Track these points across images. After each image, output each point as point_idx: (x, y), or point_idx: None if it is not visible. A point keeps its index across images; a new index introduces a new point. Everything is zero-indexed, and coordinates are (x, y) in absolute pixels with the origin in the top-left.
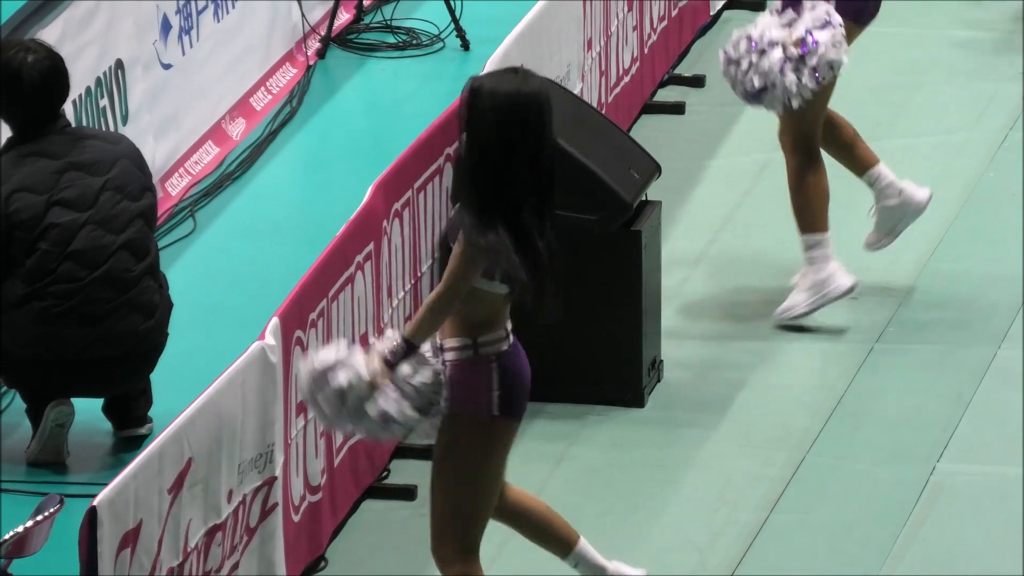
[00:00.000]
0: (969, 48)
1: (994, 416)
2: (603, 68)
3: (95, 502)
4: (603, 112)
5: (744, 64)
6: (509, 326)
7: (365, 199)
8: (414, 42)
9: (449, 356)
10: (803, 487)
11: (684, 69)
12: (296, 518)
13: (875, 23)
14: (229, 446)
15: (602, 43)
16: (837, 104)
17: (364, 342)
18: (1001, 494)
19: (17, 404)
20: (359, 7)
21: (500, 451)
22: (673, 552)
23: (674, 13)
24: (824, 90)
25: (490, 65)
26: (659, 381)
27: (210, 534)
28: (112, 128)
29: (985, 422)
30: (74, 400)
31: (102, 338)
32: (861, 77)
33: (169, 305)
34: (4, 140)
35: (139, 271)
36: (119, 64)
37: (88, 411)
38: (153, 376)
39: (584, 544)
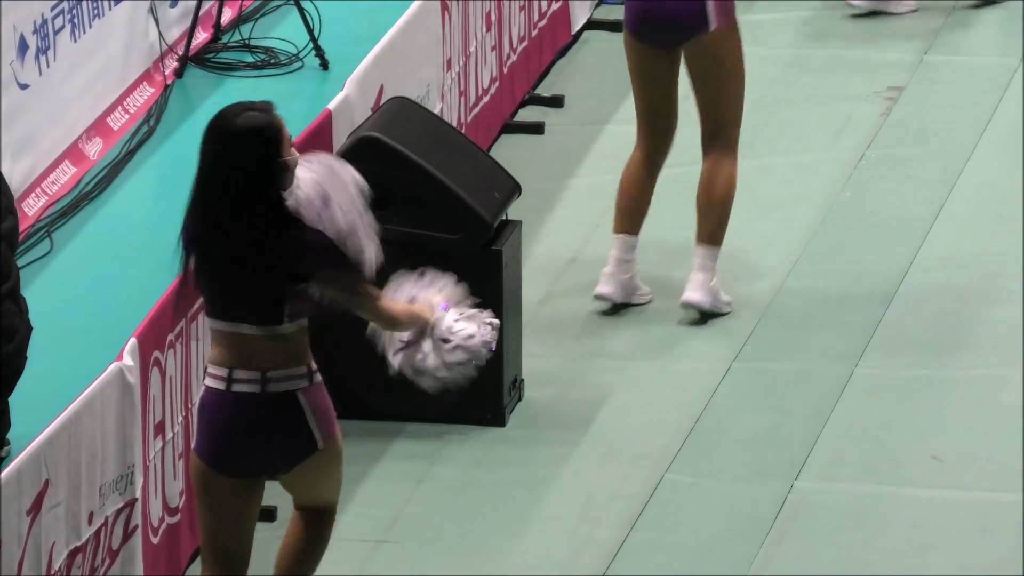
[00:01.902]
0: (825, 67)
1: (852, 434)
2: (463, 88)
3: None
4: (463, 132)
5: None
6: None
7: None
8: (272, 61)
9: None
10: (663, 505)
11: (544, 89)
12: (155, 540)
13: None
14: (89, 468)
15: (461, 63)
16: (693, 131)
17: None
18: (859, 512)
19: None
20: (217, 26)
21: (205, 497)
22: (534, 571)
23: (534, 33)
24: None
25: (349, 85)
26: (520, 400)
27: (72, 556)
28: None
29: (843, 440)
30: None
31: None
32: None
33: (29, 329)
34: None
35: (0, 295)
36: None
37: None
38: (10, 398)
39: None
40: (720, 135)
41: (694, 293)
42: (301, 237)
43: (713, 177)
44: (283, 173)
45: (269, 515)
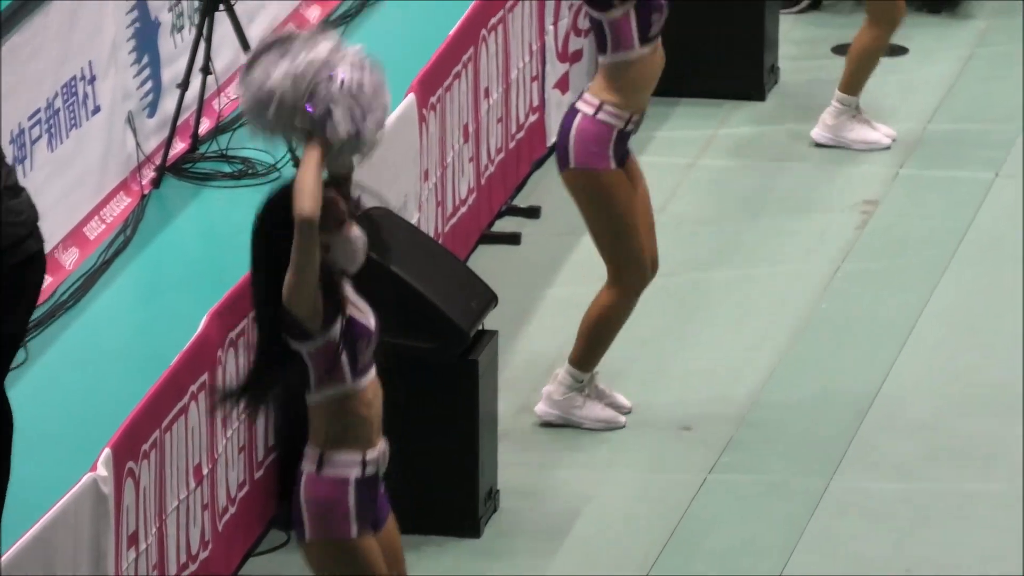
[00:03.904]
0: (801, 180)
1: (827, 547)
2: (440, 198)
3: None
4: (440, 242)
5: None
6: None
7: (199, 328)
8: (250, 171)
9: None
10: None
11: (521, 200)
12: None
13: (707, 155)
14: None
15: (439, 174)
16: (672, 237)
17: (197, 474)
18: None
19: None
20: (194, 136)
21: None
22: None
23: (511, 145)
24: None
25: None
26: (496, 511)
27: None
28: None
29: (818, 553)
30: None
31: None
32: (696, 210)
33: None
34: None
35: None
36: None
37: None
38: None
39: None
40: (607, 265)
41: (539, 404)
42: None
43: (593, 304)
44: None
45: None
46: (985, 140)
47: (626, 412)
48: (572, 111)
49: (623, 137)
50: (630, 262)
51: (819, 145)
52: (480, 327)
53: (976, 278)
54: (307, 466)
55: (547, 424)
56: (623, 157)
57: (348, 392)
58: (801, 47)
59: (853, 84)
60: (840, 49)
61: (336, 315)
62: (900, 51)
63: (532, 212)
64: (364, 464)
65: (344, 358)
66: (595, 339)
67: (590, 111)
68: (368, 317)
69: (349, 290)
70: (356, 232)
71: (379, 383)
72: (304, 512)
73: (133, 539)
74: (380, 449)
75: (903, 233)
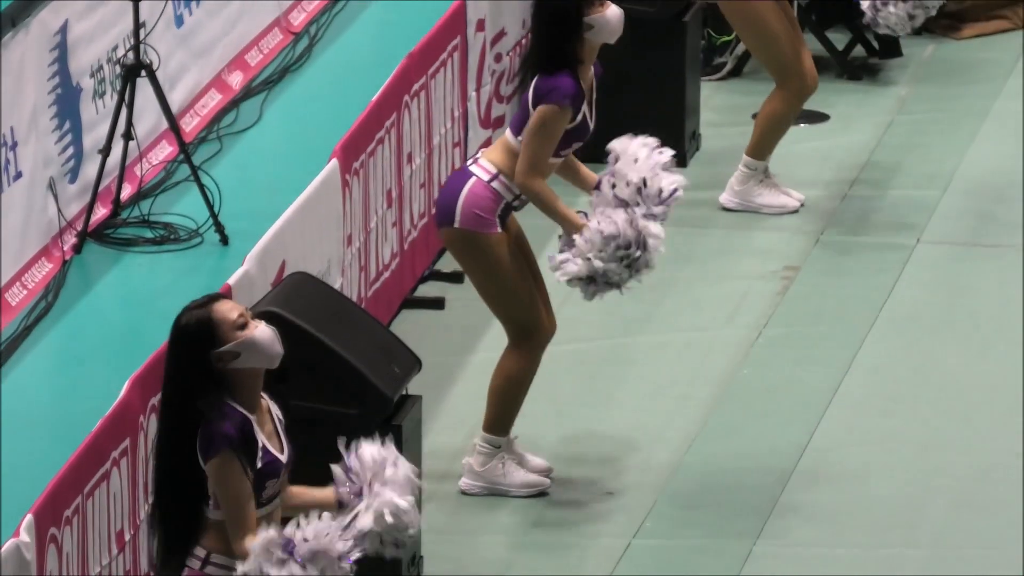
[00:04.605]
0: (721, 247)
1: None
2: (363, 263)
3: None
4: (363, 307)
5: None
6: None
7: (121, 395)
8: (172, 237)
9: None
10: None
11: (444, 265)
12: None
13: None
14: None
15: (362, 239)
16: (592, 302)
17: (120, 540)
18: None
19: None
20: (116, 202)
21: None
22: None
23: (434, 210)
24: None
25: (249, 260)
26: None
27: None
28: None
29: None
30: None
31: None
32: None
33: None
34: None
35: None
36: None
37: None
38: None
39: None
40: (504, 326)
41: (462, 478)
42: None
43: (497, 367)
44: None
45: None
46: (906, 206)
47: (548, 474)
48: (464, 172)
49: (508, 209)
50: (524, 321)
51: (726, 209)
52: (404, 392)
53: (898, 344)
54: (192, 562)
55: (469, 495)
56: (505, 219)
57: None
58: (722, 114)
59: (760, 149)
60: None
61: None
62: (821, 118)
63: (455, 277)
64: None
65: None
66: (504, 403)
67: (485, 177)
68: (282, 449)
69: (267, 417)
70: (262, 329)
71: (279, 503)
72: None
73: None
74: None
75: (824, 299)
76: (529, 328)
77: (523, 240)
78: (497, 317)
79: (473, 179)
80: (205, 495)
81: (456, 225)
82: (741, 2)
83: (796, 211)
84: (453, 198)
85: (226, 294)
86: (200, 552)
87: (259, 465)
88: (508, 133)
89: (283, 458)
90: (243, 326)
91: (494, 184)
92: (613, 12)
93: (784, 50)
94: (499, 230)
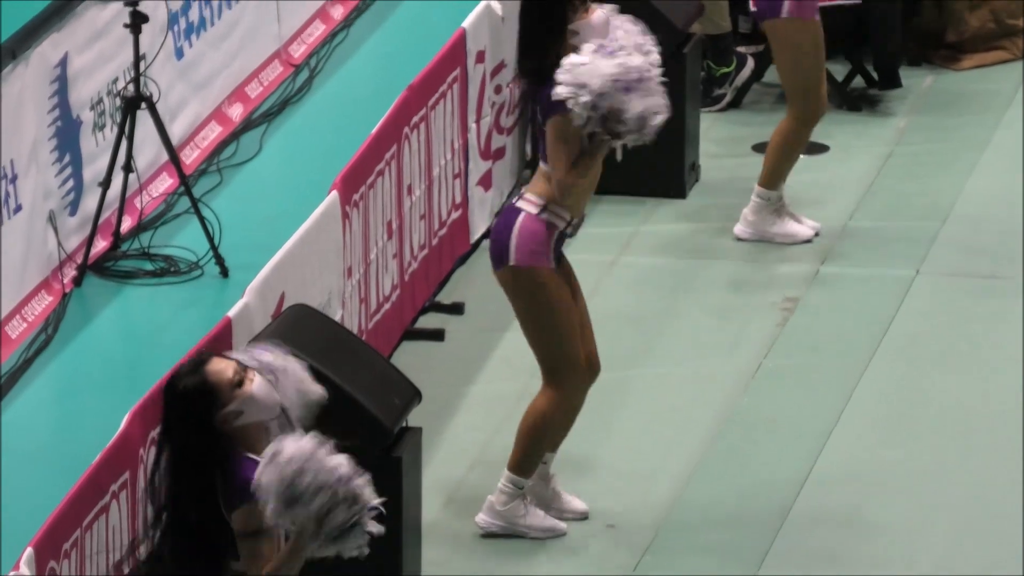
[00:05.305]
0: (722, 278)
1: None
2: (363, 295)
3: None
4: (363, 339)
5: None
6: None
7: (121, 427)
8: (172, 269)
9: None
10: None
11: (444, 296)
12: None
13: (630, 252)
14: None
15: (362, 271)
16: (595, 333)
17: (118, 572)
18: None
19: None
20: (116, 234)
21: None
22: None
23: (434, 242)
24: None
25: (249, 292)
26: None
27: None
28: None
29: None
30: None
31: None
32: (618, 307)
33: None
34: None
35: None
36: None
37: None
38: None
39: None
40: (541, 367)
41: (480, 514)
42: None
43: (529, 408)
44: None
45: None
46: (905, 237)
47: (583, 519)
48: (513, 210)
49: (562, 238)
50: (566, 364)
51: (740, 240)
52: (404, 424)
53: (898, 375)
54: None
55: (489, 535)
56: (559, 258)
57: None
58: (722, 145)
59: (773, 178)
60: (760, 147)
61: None
62: (820, 148)
63: (456, 308)
64: None
65: None
66: (531, 443)
67: (534, 210)
68: None
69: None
70: (258, 383)
71: None
72: None
73: None
74: None
75: (824, 330)
76: (568, 371)
77: (575, 282)
78: (536, 356)
79: (523, 215)
80: (227, 547)
81: (511, 263)
82: (797, 20)
83: (810, 240)
84: (505, 237)
85: (213, 352)
86: None
87: None
88: (541, 163)
89: None
90: (240, 383)
91: (543, 216)
92: (598, 17)
93: (812, 73)
94: (553, 266)
